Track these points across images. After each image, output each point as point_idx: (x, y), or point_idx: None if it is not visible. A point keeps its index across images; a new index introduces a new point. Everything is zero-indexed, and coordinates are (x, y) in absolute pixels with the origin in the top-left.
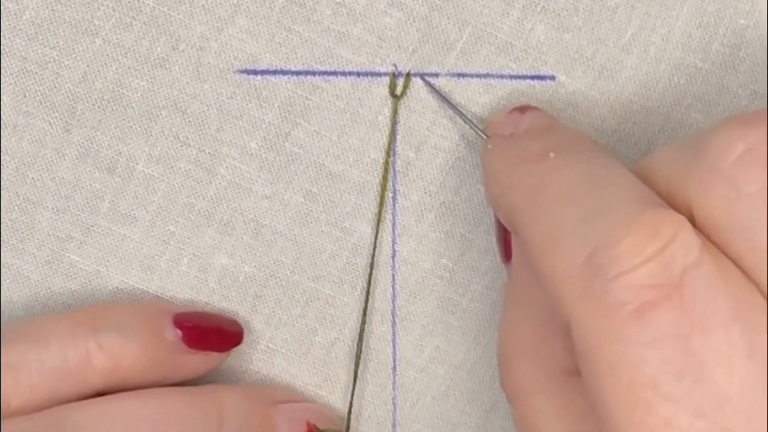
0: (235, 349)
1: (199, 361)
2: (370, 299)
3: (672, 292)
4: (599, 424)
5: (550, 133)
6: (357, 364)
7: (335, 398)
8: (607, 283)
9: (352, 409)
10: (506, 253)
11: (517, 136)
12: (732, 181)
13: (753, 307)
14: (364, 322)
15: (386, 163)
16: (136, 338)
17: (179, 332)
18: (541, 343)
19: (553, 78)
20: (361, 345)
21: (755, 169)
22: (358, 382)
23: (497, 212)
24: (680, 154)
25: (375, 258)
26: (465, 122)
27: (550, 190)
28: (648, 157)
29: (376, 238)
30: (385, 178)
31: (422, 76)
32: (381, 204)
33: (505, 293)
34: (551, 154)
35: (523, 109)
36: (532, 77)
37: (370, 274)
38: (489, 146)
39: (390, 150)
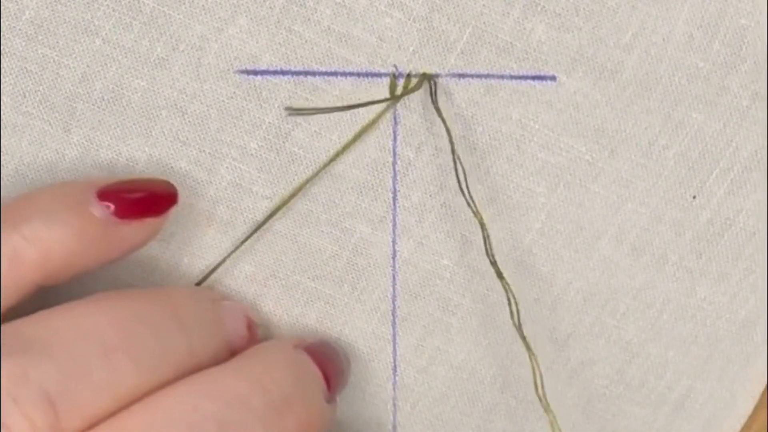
0: (171, 209)
1: (135, 230)
2: (370, 300)
3: None
4: None
5: None
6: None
7: None
8: None
9: (353, 410)
10: None
11: None
12: None
13: None
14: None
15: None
16: (61, 221)
17: (107, 205)
18: None
19: (553, 78)
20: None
21: None
22: (358, 383)
23: None
24: None
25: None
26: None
27: None
28: None
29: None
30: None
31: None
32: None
33: None
34: None
35: None
36: (533, 77)
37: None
38: None
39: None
